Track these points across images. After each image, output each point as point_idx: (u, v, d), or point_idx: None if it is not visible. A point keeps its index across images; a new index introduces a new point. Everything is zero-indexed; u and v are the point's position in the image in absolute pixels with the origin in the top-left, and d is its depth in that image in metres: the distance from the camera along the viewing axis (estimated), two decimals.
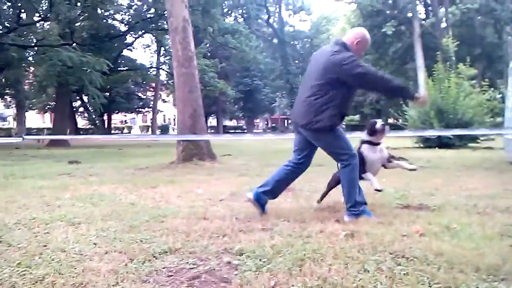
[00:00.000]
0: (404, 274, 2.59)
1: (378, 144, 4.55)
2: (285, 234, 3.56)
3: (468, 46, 34.44)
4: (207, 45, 34.16)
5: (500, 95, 19.87)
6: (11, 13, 23.12)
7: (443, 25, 35.79)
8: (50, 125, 41.90)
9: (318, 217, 4.18)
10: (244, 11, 46.84)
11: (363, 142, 4.58)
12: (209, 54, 34.38)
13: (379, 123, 4.50)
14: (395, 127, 20.48)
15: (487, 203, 4.82)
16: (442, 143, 16.38)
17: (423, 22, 35.62)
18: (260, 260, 2.91)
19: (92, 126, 41.51)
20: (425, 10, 39.50)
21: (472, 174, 7.83)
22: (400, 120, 20.59)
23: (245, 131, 58.13)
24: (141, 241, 3.43)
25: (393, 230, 3.59)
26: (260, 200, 4.33)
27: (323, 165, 10.13)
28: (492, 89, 20.23)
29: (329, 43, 4.46)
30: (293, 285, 2.47)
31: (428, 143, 17.16)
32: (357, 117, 51.82)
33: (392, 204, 4.84)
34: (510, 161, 9.61)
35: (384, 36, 35.91)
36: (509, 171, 8.27)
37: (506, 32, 36.10)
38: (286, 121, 67.54)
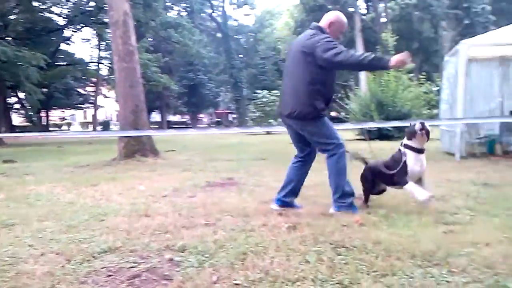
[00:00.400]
0: (344, 263, 2.65)
1: (420, 151, 4.20)
2: (228, 228, 3.56)
3: (406, 41, 35.61)
4: (150, 39, 33.54)
5: (436, 88, 20.65)
6: None
7: (383, 20, 36.89)
8: None
9: (261, 211, 4.20)
10: (187, 5, 46.26)
11: (406, 146, 4.29)
12: (151, 49, 33.80)
13: (417, 124, 4.21)
14: (337, 120, 20.93)
15: None
16: (382, 135, 16.88)
17: (364, 17, 36.56)
18: (202, 255, 2.89)
19: (29, 124, 39.82)
20: (366, 5, 40.50)
21: None
22: (342, 113, 21.01)
23: (190, 126, 57.65)
24: (79, 241, 3.33)
25: (334, 221, 3.66)
26: (287, 204, 4.32)
27: (266, 159, 10.25)
28: (428, 82, 21.02)
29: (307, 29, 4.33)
30: (235, 279, 2.47)
31: (368, 135, 17.62)
32: None
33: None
34: (445, 150, 10.04)
35: None
36: (444, 160, 8.63)
37: (442, 27, 37.60)
38: (230, 115, 67.50)
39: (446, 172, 6.70)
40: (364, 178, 4.54)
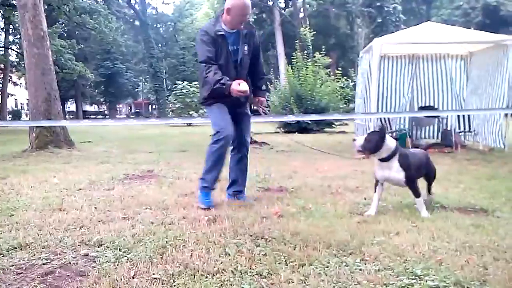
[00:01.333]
0: (263, 254, 2.69)
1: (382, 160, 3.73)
2: (147, 222, 3.50)
3: (324, 36, 36.74)
4: (63, 24, 31.97)
5: (352, 83, 21.46)
6: None
7: (301, 15, 37.70)
8: None
9: (181, 204, 4.16)
10: None
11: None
12: (65, 35, 32.27)
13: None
14: (257, 113, 21.14)
15: (340, 184, 5.21)
16: (302, 128, 17.31)
17: (283, 11, 37.15)
18: (120, 250, 2.82)
19: None
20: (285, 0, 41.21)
21: (327, 157, 8.36)
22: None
23: (107, 117, 55.83)
24: None
25: (254, 213, 3.71)
26: (237, 195, 4.36)
27: (187, 151, 10.17)
28: (345, 77, 21.80)
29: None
30: (153, 274, 2.43)
31: (288, 128, 18.01)
32: None
33: (254, 188, 4.97)
34: None
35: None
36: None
37: (357, 24, 39.08)
38: (150, 106, 66.19)
39: (361, 165, 6.98)
40: None
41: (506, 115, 9.22)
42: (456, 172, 6.13)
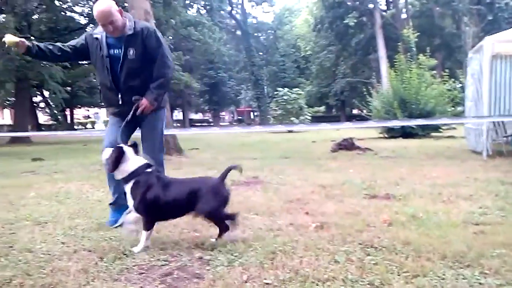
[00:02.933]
0: (373, 264, 2.66)
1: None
2: (255, 227, 3.59)
3: (428, 37, 35.25)
4: (170, 37, 33.74)
5: (460, 85, 20.38)
6: None
7: (404, 16, 36.49)
8: (10, 122, 40.67)
9: (287, 210, 4.22)
10: (206, 3, 46.37)
11: None
12: (172, 47, 33.96)
13: None
14: (360, 118, 20.80)
15: (451, 191, 4.96)
16: (406, 133, 16.73)
17: (384, 13, 36.21)
18: (231, 254, 2.92)
19: (54, 122, 40.48)
20: (386, 1, 40.10)
21: (436, 163, 8.03)
22: (365, 111, 20.87)
23: (211, 124, 57.88)
24: (110, 238, 3.40)
25: (361, 220, 3.67)
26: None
27: (290, 157, 10.26)
28: (452, 79, 20.74)
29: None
30: (265, 279, 2.49)
31: (392, 133, 17.49)
32: (322, 108, 52.30)
33: (359, 195, 4.91)
34: (471, 149, 9.91)
35: (346, 28, 36.42)
36: (470, 159, 8.51)
37: (464, 22, 36.99)
38: (252, 113, 67.56)
39: (473, 171, 6.62)
40: None
41: None
42: None
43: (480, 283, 2.35)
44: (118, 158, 3.19)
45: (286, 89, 29.87)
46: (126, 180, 3.22)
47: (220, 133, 24.21)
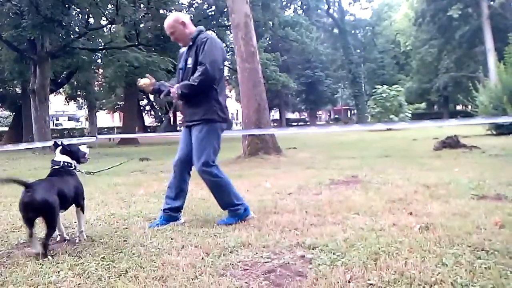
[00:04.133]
0: (485, 268, 2.51)
1: None
2: (357, 227, 3.54)
3: None
4: (267, 39, 34.21)
5: None
6: (80, 18, 24.14)
7: None
8: (119, 124, 43.59)
9: (389, 210, 4.11)
10: (303, 3, 46.42)
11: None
12: (270, 48, 34.44)
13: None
14: (464, 114, 19.71)
15: None
16: None
17: (492, 3, 33.90)
18: (333, 253, 2.91)
19: (159, 124, 42.73)
20: None
21: None
22: (470, 107, 19.73)
23: (308, 123, 57.88)
24: (215, 235, 3.52)
25: (470, 222, 3.48)
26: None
27: (390, 156, 9.98)
28: None
29: None
30: (369, 279, 2.45)
31: (501, 129, 16.37)
32: (423, 105, 50.29)
33: (467, 195, 4.65)
34: None
35: (450, 20, 34.62)
36: None
37: None
38: (349, 112, 66.56)
39: None
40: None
41: None
42: None
43: None
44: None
45: (384, 86, 29.12)
46: None
47: (317, 132, 24.12)
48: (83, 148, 3.79)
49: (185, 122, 4.18)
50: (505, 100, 15.87)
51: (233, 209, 3.99)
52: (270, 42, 35.72)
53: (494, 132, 16.79)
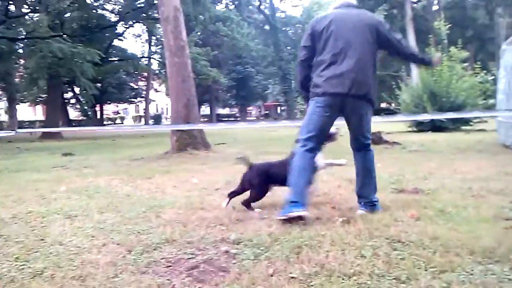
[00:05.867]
0: (400, 258, 2.62)
1: None
2: (281, 222, 3.58)
3: (460, 29, 34.51)
4: (199, 33, 33.94)
5: (492, 77, 19.91)
6: None
7: (435, 7, 35.82)
8: (42, 118, 41.69)
9: (314, 204, 4.19)
10: None
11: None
12: (200, 43, 34.21)
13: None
14: (388, 112, 20.57)
15: (481, 186, 4.86)
16: (435, 127, 16.46)
17: (415, 5, 35.59)
18: (258, 248, 2.93)
19: (84, 118, 41.30)
20: None
21: (466, 157, 7.88)
22: (393, 104, 20.61)
23: (239, 119, 58.09)
24: (138, 232, 3.44)
25: (389, 215, 3.62)
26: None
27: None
28: (484, 71, 20.26)
29: (345, 7, 4.04)
30: (291, 273, 2.49)
31: (421, 126, 17.25)
32: None
33: (387, 189, 4.85)
34: (502, 143, 9.67)
35: None
36: (502, 153, 8.32)
37: (498, 13, 36.08)
38: (279, 108, 67.41)
39: (504, 165, 6.47)
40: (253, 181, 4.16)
41: None
42: None
43: (509, 279, 2.30)
44: None
45: None
46: None
47: (247, 127, 24.27)
48: None
49: None
50: (425, 98, 16.73)
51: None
52: (201, 37, 35.46)
53: (415, 129, 17.62)
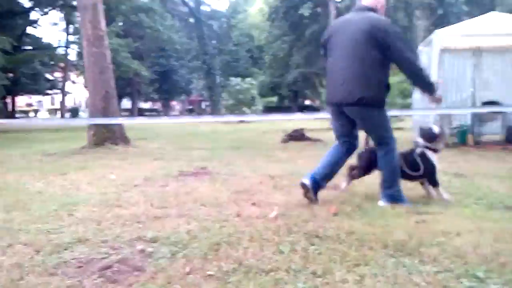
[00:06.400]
0: (317, 253, 2.67)
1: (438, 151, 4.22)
2: (201, 219, 3.53)
3: None
4: (120, 23, 32.92)
5: None
6: None
7: None
8: None
9: (234, 201, 4.18)
10: None
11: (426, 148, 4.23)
12: (122, 33, 33.20)
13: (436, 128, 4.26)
14: (312, 109, 21.05)
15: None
16: None
17: (338, 4, 36.62)
18: (175, 246, 2.86)
19: None
20: None
21: None
22: (317, 102, 21.12)
23: (161, 113, 57.13)
24: (48, 231, 3.25)
25: (308, 211, 3.68)
26: (316, 187, 3.99)
27: (240, 147, 10.24)
28: None
29: (356, 11, 4.06)
30: (208, 270, 2.45)
31: None
32: (275, 98, 52.49)
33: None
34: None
35: (301, 18, 36.66)
36: None
37: (416, 16, 37.96)
38: (203, 103, 67.04)
39: None
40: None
41: None
42: None
43: (419, 271, 2.39)
44: None
45: (238, 79, 29.72)
46: None
47: (169, 122, 23.90)
48: None
49: None
50: None
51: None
52: (122, 28, 34.40)
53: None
